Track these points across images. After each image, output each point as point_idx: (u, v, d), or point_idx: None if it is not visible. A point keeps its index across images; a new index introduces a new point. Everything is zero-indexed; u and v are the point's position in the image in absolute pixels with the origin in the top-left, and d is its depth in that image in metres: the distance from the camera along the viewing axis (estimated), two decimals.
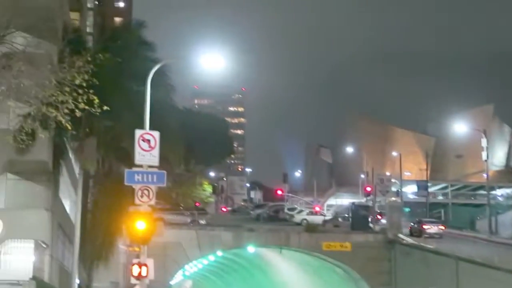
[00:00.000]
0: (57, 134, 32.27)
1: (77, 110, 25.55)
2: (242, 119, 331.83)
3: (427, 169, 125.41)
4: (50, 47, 29.85)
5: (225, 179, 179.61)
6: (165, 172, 28.95)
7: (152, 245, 29.20)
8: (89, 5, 58.97)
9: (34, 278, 31.08)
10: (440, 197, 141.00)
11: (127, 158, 34.19)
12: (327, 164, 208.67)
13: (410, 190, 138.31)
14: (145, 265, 27.75)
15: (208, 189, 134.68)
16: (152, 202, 28.33)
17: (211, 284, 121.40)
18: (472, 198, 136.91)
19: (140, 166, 28.58)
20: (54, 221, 35.37)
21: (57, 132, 31.53)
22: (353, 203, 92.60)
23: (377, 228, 79.01)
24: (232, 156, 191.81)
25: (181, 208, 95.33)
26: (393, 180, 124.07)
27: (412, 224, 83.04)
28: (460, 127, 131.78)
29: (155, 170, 28.66)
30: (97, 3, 68.13)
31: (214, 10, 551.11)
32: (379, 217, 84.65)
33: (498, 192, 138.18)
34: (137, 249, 30.86)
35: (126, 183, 28.60)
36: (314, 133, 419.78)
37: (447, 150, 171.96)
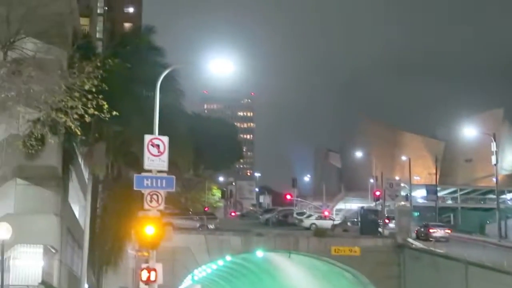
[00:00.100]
0: (66, 140, 32.38)
1: (86, 116, 25.61)
2: (251, 124, 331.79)
3: (436, 173, 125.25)
4: (60, 52, 29.95)
5: (234, 183, 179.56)
6: (174, 177, 28.95)
7: (161, 250, 29.22)
8: (98, 11, 59.29)
9: (43, 282, 31.18)
10: (450, 202, 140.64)
11: (136, 163, 34.28)
12: (336, 168, 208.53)
13: (419, 195, 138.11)
14: (154, 270, 27.77)
15: (217, 193, 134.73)
16: (161, 207, 28.34)
17: None
18: (482, 202, 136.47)
19: (149, 171, 28.61)
20: (63, 226, 35.47)
21: (67, 137, 31.62)
22: (362, 208, 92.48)
23: (386, 232, 78.96)
24: (241, 160, 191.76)
25: (190, 212, 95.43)
26: (402, 185, 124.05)
27: (419, 227, 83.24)
28: (469, 131, 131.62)
29: (164, 175, 28.67)
30: (106, 9, 68.43)
31: (224, 16, 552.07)
32: (387, 221, 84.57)
33: (508, 196, 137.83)
34: (146, 254, 30.90)
35: (135, 188, 28.63)
36: (323, 137, 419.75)
37: (456, 154, 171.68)
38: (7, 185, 32.73)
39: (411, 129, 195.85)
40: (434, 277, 63.51)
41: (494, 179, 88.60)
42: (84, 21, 46.17)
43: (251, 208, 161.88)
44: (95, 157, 37.39)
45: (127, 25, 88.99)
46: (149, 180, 28.24)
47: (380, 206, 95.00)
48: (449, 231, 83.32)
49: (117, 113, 29.87)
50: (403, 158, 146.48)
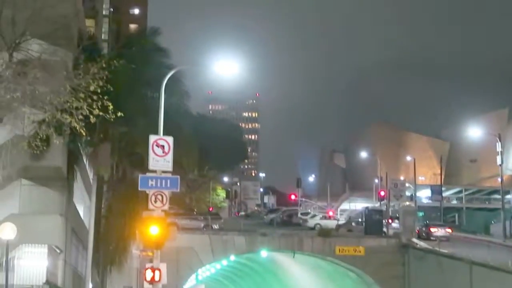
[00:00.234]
0: (71, 140, 32.51)
1: (91, 116, 25.73)
2: (256, 125, 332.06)
3: (441, 174, 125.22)
4: (66, 54, 30.07)
5: (238, 184, 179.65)
6: (178, 177, 29.06)
7: (165, 250, 29.36)
8: (104, 13, 59.40)
9: (47, 282, 31.29)
10: (454, 202, 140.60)
11: (141, 164, 34.44)
12: (341, 169, 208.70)
13: (424, 195, 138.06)
14: (158, 269, 27.91)
15: (222, 194, 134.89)
16: (166, 207, 28.45)
17: None
18: (487, 202, 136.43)
19: (154, 171, 28.72)
20: (68, 226, 35.59)
21: (72, 138, 31.75)
22: (366, 208, 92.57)
23: (390, 232, 79.05)
24: (246, 161, 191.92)
25: (195, 213, 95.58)
26: (407, 185, 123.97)
27: (420, 227, 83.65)
28: (474, 132, 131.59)
29: (169, 175, 28.79)
30: (112, 10, 68.57)
31: (229, 19, 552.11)
32: (390, 221, 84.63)
33: None
34: (150, 253, 31.05)
35: (140, 189, 28.76)
36: (327, 138, 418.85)
37: (461, 155, 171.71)
38: (12, 185, 32.85)
39: (416, 130, 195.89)
40: (439, 277, 63.60)
41: (499, 180, 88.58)
42: (89, 22, 46.29)
43: (256, 208, 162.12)
44: (100, 158, 37.49)
45: (132, 26, 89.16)
46: (154, 180, 28.37)
47: (385, 206, 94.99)
48: (450, 230, 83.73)
49: (122, 114, 30.01)
50: (408, 158, 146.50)
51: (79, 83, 25.25)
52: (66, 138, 30.62)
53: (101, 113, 26.28)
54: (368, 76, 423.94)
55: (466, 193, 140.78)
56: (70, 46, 31.69)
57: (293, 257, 75.81)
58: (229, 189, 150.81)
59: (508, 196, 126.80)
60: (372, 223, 79.61)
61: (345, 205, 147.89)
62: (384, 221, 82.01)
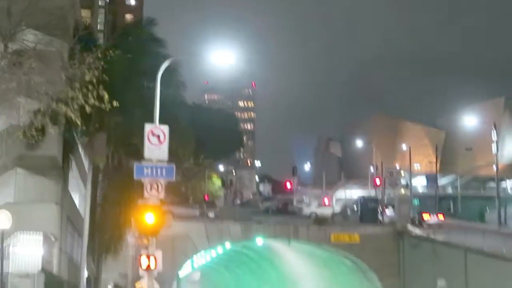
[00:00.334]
0: (66, 130, 32.67)
1: (87, 106, 25.85)
2: (252, 114, 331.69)
3: (436, 162, 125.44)
4: (61, 44, 30.19)
5: (234, 172, 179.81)
6: (174, 166, 29.15)
7: (160, 238, 29.53)
8: (100, 3, 59.51)
9: (43, 270, 31.48)
10: (450, 190, 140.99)
11: (137, 153, 34.53)
12: (337, 157, 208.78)
13: (419, 183, 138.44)
14: (154, 256, 28.08)
15: (217, 182, 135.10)
16: (161, 195, 28.54)
17: (220, 276, 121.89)
18: (482, 190, 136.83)
19: (150, 160, 28.83)
20: (63, 215, 35.80)
21: (67, 127, 31.91)
22: (362, 197, 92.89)
23: (385, 220, 79.49)
24: (242, 150, 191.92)
25: (190, 201, 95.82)
26: (402, 173, 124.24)
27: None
28: (470, 120, 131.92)
29: (164, 164, 28.89)
30: (108, 1, 68.62)
31: (227, 10, 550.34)
32: (383, 209, 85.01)
33: (508, 184, 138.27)
34: (145, 241, 31.22)
35: (135, 177, 28.85)
36: (323, 127, 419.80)
37: (457, 143, 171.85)
38: (8, 174, 33.04)
39: (412, 119, 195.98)
40: (434, 264, 64.01)
41: (495, 168, 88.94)
42: (85, 13, 46.41)
43: (252, 196, 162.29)
44: (95, 147, 37.62)
45: (128, 17, 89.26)
46: (149, 169, 28.43)
47: (380, 194, 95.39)
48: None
49: (118, 104, 30.16)
50: (404, 147, 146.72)
51: (74, 73, 25.37)
52: (62, 128, 30.78)
53: (96, 103, 26.40)
54: (367, 68, 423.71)
55: (462, 181, 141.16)
56: (66, 36, 31.80)
57: (289, 244, 76.14)
58: (225, 178, 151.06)
59: (503, 184, 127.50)
60: (367, 211, 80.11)
61: (340, 194, 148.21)
62: (380, 209, 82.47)
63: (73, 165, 38.70)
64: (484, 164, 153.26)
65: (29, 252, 32.43)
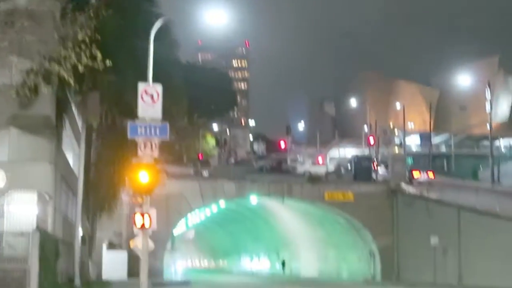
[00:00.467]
0: (60, 89, 32.52)
1: (79, 65, 25.78)
2: (245, 73, 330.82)
3: (430, 121, 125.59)
4: (53, 3, 29.95)
5: (228, 132, 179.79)
6: (168, 124, 29.11)
7: (155, 196, 29.59)
8: None
9: (37, 229, 31.57)
10: (443, 148, 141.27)
11: (130, 112, 34.45)
12: (331, 116, 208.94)
13: (413, 142, 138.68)
14: (148, 215, 28.16)
15: (211, 141, 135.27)
16: (155, 154, 28.53)
17: (214, 234, 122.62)
18: (475, 149, 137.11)
19: (143, 119, 28.75)
20: (57, 174, 35.81)
21: (60, 87, 31.79)
22: (356, 156, 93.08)
23: (379, 178, 79.74)
24: (236, 109, 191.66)
25: (184, 160, 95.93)
26: (396, 132, 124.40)
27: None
28: (464, 79, 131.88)
29: (158, 123, 28.83)
30: None
31: None
32: (376, 167, 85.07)
33: (501, 143, 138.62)
34: (139, 199, 31.28)
35: (129, 136, 28.79)
36: (318, 86, 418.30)
37: (451, 102, 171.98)
38: (1, 133, 32.96)
39: (406, 77, 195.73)
40: (427, 221, 64.34)
41: (488, 127, 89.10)
42: None
43: (246, 155, 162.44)
44: (89, 106, 37.56)
45: None
46: (143, 128, 28.34)
47: (374, 153, 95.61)
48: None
49: (111, 63, 30.09)
50: (398, 105, 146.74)
51: (67, 32, 25.29)
52: (55, 87, 30.67)
53: (89, 62, 26.32)
54: (362, 28, 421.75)
55: (455, 140, 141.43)
56: None
57: (283, 202, 76.38)
58: (219, 137, 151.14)
59: (496, 143, 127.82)
60: (361, 170, 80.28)
61: (334, 153, 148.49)
62: (374, 167, 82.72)
63: (67, 124, 38.65)
64: (478, 123, 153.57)
65: (23, 210, 32.50)
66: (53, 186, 34.73)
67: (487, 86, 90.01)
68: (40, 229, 31.85)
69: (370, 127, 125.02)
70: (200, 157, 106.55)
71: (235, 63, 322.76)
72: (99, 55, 28.72)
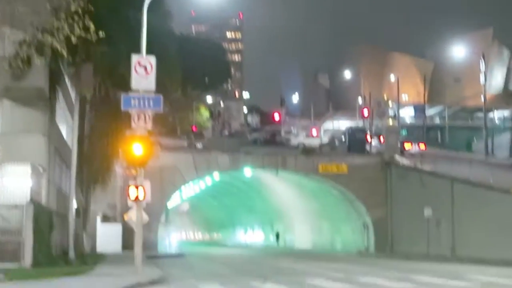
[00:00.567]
0: (53, 61, 32.37)
1: (73, 37, 25.61)
2: (239, 45, 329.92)
3: (424, 93, 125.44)
4: None
5: (222, 104, 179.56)
6: (161, 96, 29.02)
7: (148, 169, 29.57)
8: None
9: (31, 201, 31.54)
10: (437, 120, 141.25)
11: (124, 84, 34.34)
12: (325, 88, 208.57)
13: (407, 114, 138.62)
14: (142, 187, 28.14)
15: (205, 113, 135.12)
16: (149, 126, 28.47)
17: (209, 207, 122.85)
18: (469, 121, 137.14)
19: (137, 91, 28.64)
20: (50, 146, 35.73)
21: (53, 58, 31.63)
22: (350, 128, 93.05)
23: (373, 150, 79.75)
24: (229, 81, 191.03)
25: (178, 132, 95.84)
26: (390, 104, 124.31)
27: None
28: (459, 51, 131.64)
29: (152, 95, 28.74)
30: None
31: None
32: (369, 139, 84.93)
33: (495, 115, 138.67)
34: (134, 172, 31.25)
35: (122, 108, 28.71)
36: (312, 58, 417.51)
37: (445, 74, 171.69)
38: None
39: (401, 50, 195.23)
40: (421, 193, 64.45)
41: (482, 98, 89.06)
42: None
43: (240, 127, 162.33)
44: (82, 78, 37.42)
45: None
46: (136, 100, 28.26)
47: (368, 125, 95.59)
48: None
49: (104, 34, 29.91)
50: (392, 78, 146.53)
51: (59, 3, 25.10)
52: (48, 59, 30.51)
53: (82, 34, 26.15)
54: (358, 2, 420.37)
55: (449, 111, 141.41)
56: None
57: (277, 175, 76.43)
58: (213, 109, 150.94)
59: (490, 115, 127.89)
60: (355, 142, 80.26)
61: (328, 125, 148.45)
62: (367, 139, 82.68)
63: (60, 96, 38.51)
64: (472, 95, 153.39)
65: (17, 183, 32.47)
66: (46, 159, 34.67)
67: (482, 58, 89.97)
68: (34, 201, 31.83)
69: (364, 99, 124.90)
70: (194, 129, 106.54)
71: (228, 34, 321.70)
72: (92, 26, 28.56)
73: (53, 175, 38.59)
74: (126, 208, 33.76)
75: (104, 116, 45.66)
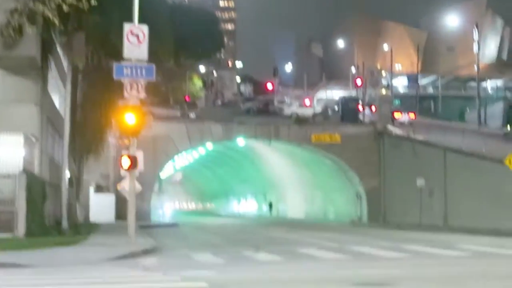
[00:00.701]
0: (45, 30, 32.18)
1: (64, 5, 25.42)
2: (232, 14, 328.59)
3: (418, 62, 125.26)
4: None
5: (215, 73, 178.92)
6: (153, 65, 28.91)
7: (141, 138, 29.52)
8: None
9: (24, 171, 31.48)
10: (431, 90, 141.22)
11: (116, 53, 34.18)
12: (318, 58, 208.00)
13: (401, 83, 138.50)
14: (135, 156, 28.10)
15: (198, 83, 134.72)
16: (141, 96, 28.38)
17: (202, 177, 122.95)
18: (463, 90, 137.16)
19: (129, 60, 28.51)
20: (43, 116, 35.60)
21: (45, 27, 31.43)
22: (343, 97, 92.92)
23: (366, 120, 79.72)
24: (222, 50, 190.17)
25: (171, 102, 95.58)
26: (383, 73, 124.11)
27: None
28: (452, 20, 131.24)
29: (144, 64, 28.62)
30: None
31: None
32: (361, 109, 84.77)
33: (488, 84, 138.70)
34: (126, 141, 31.20)
35: (115, 77, 28.60)
36: (305, 28, 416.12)
37: (439, 44, 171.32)
38: None
39: (395, 19, 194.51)
40: (413, 163, 64.51)
41: (475, 68, 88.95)
42: None
43: (233, 97, 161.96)
44: (74, 47, 37.23)
45: None
46: (129, 69, 28.17)
47: (361, 95, 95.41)
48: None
49: (96, 3, 29.70)
50: (385, 47, 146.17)
51: None
52: (39, 28, 30.32)
53: (74, 2, 25.96)
54: None
55: (442, 81, 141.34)
56: None
57: (270, 144, 76.40)
58: (206, 79, 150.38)
59: (483, 84, 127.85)
60: (348, 111, 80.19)
61: (321, 94, 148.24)
62: (359, 108, 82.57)
63: (52, 65, 38.30)
64: (465, 64, 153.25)
65: (10, 153, 32.38)
66: (39, 128, 34.56)
67: (475, 27, 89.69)
68: (27, 171, 31.79)
69: (357, 69, 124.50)
70: (187, 99, 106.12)
71: (221, 3, 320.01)
72: None
73: (46, 144, 38.49)
74: (119, 178, 33.81)
75: (96, 86, 45.48)
